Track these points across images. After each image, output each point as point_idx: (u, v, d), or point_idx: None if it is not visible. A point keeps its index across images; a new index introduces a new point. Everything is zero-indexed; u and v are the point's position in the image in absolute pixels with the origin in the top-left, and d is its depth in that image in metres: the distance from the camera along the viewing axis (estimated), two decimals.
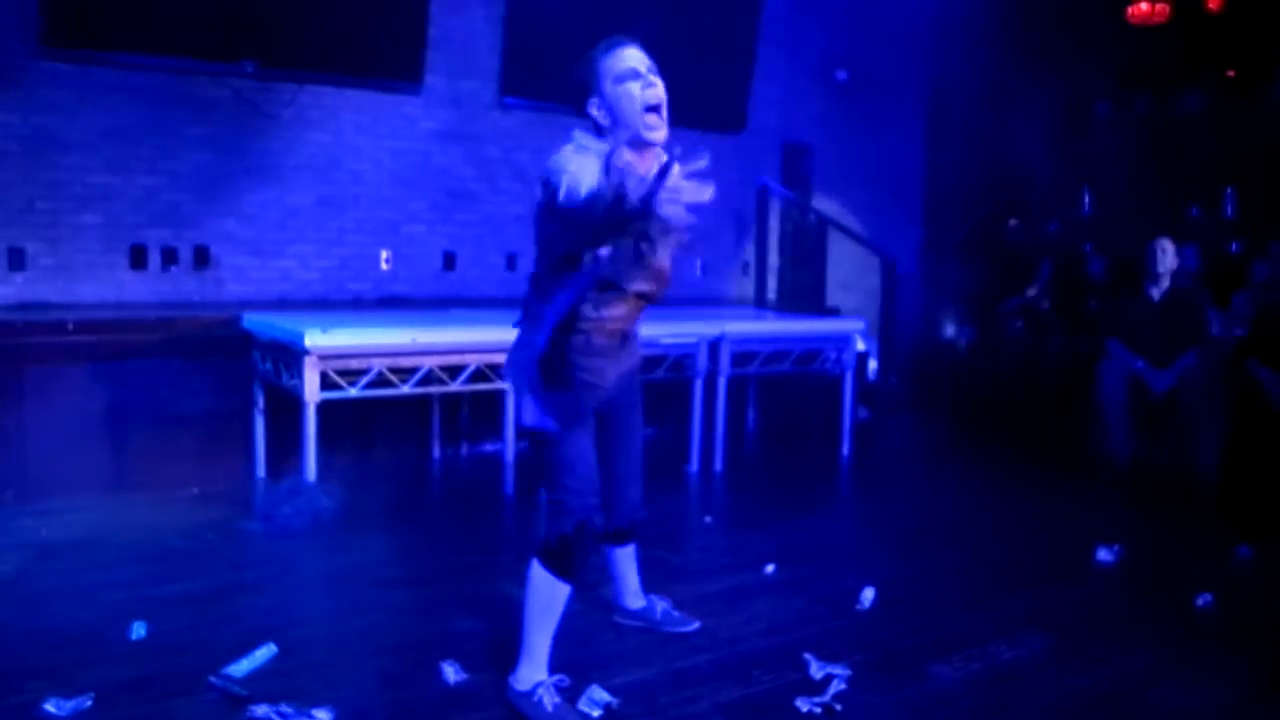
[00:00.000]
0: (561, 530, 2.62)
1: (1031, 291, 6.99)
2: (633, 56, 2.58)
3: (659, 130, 2.56)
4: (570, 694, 2.70)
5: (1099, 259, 7.02)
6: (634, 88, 2.54)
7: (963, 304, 7.79)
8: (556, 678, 2.70)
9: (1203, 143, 7.37)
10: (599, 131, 2.59)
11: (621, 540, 3.11)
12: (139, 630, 3.01)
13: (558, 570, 2.64)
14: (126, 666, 2.82)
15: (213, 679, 2.72)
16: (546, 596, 2.65)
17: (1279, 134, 7.04)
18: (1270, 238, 6.41)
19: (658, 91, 2.56)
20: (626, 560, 3.18)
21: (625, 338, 2.77)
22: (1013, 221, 7.54)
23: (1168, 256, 5.55)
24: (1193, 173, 7.41)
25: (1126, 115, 7.97)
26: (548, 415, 2.63)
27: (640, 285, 2.64)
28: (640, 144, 2.53)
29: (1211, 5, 7.33)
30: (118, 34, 4.86)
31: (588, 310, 2.62)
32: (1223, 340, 5.72)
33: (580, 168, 2.41)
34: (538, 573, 2.66)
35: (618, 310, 2.66)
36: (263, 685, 2.72)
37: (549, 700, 2.63)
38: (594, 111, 2.58)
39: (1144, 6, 7.35)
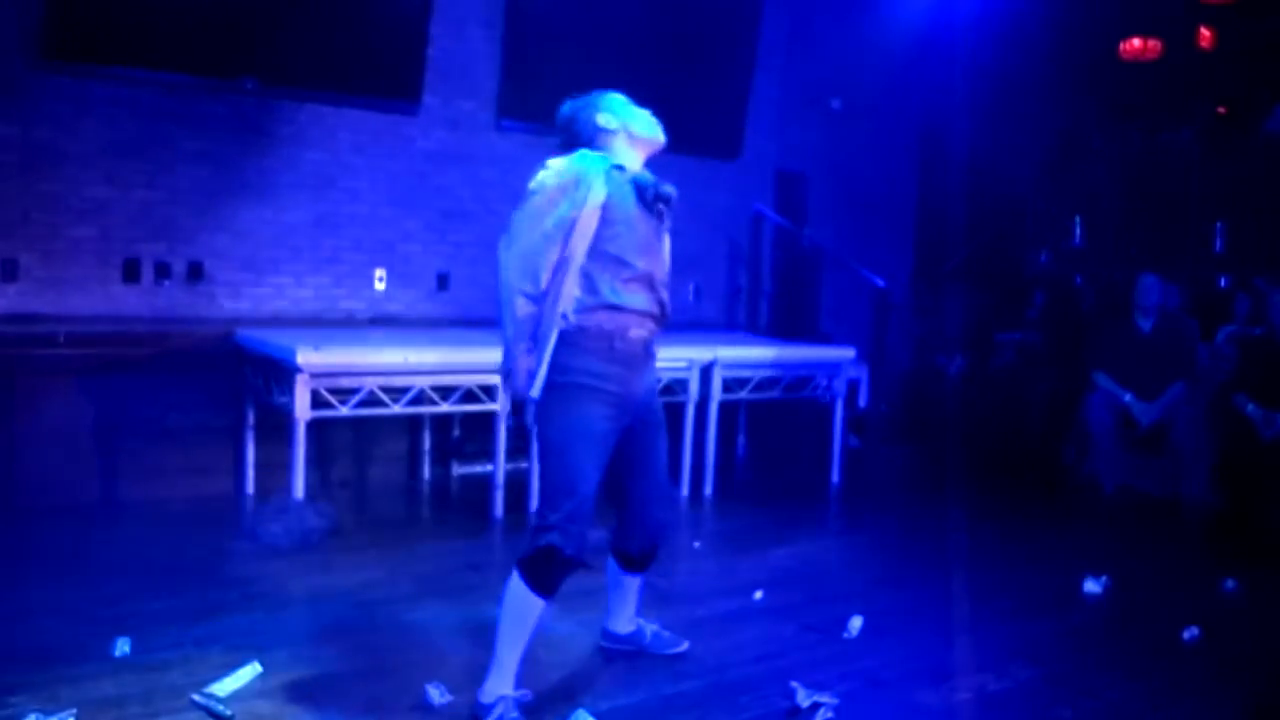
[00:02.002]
0: (546, 545, 2.63)
1: (1020, 335, 7.02)
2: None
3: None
4: (549, 714, 2.70)
5: (1092, 292, 7.07)
6: (645, 112, 2.99)
7: (954, 333, 7.82)
8: (520, 693, 2.70)
9: (1192, 177, 7.45)
10: (590, 143, 2.91)
11: (637, 568, 3.10)
12: (123, 646, 3.00)
13: (536, 585, 2.65)
14: (109, 683, 2.80)
15: (196, 697, 2.70)
16: (521, 609, 2.66)
17: (1268, 170, 7.11)
18: (1256, 272, 6.46)
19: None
20: (631, 588, 3.16)
21: (648, 348, 2.85)
22: (1044, 256, 7.59)
23: (1154, 292, 5.60)
24: (1182, 207, 7.48)
25: (1117, 149, 8.05)
26: (558, 422, 2.70)
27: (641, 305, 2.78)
28: (647, 144, 2.95)
29: (1203, 43, 7.41)
30: (118, 49, 4.88)
31: (603, 320, 2.71)
32: (1211, 374, 5.75)
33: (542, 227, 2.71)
34: (515, 584, 2.67)
35: (630, 320, 2.76)
36: (246, 705, 2.71)
37: (507, 716, 2.63)
38: (601, 119, 2.92)
39: (1136, 43, 7.43)
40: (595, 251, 2.71)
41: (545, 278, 2.68)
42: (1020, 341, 7.00)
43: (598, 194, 2.72)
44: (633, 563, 3.08)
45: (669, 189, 2.88)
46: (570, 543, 2.64)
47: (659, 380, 3.03)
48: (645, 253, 2.80)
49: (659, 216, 2.86)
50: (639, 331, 2.78)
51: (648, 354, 2.86)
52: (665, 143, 2.97)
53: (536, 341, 2.70)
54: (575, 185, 2.71)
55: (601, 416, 2.70)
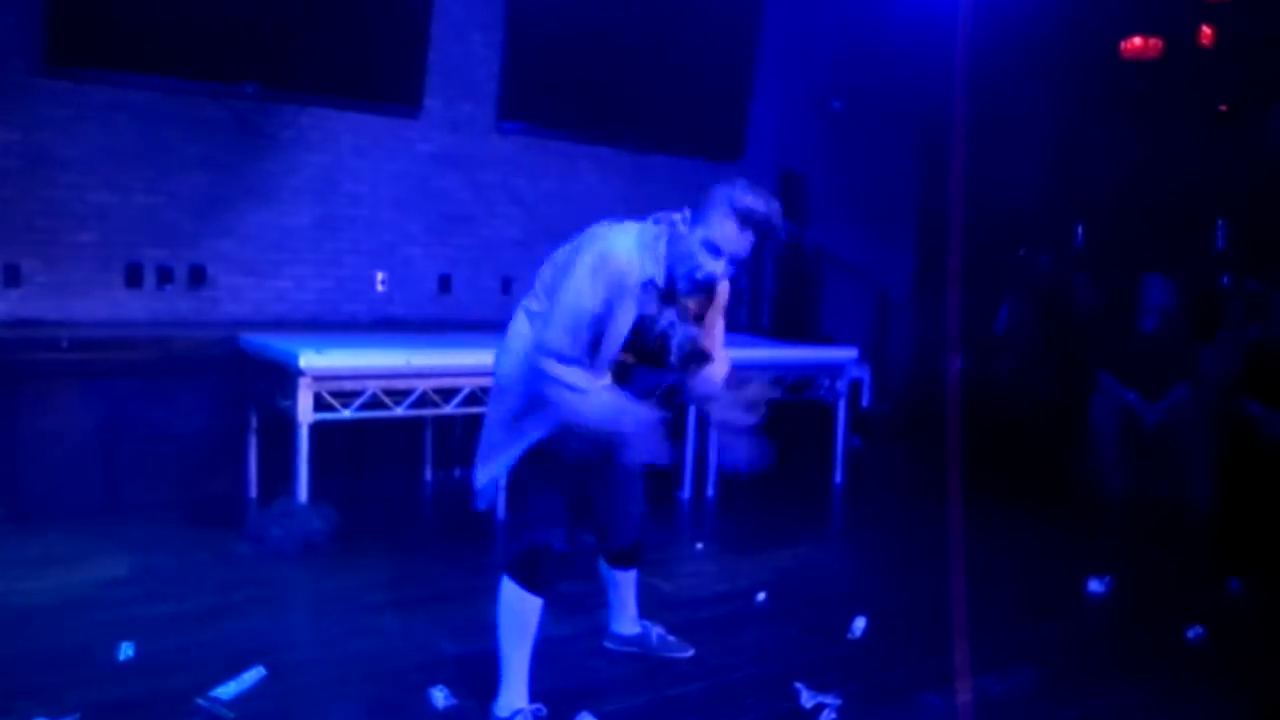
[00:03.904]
0: (530, 542, 2.64)
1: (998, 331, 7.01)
2: (740, 240, 2.53)
3: (691, 299, 2.67)
4: (553, 716, 2.70)
5: (1088, 292, 7.05)
6: (707, 260, 2.54)
7: (955, 333, 7.79)
8: (535, 707, 2.69)
9: (1194, 176, 7.43)
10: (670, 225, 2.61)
11: (624, 564, 3.11)
12: (127, 650, 3.00)
13: (527, 583, 2.64)
14: (114, 687, 2.80)
15: (200, 701, 2.71)
16: (517, 611, 2.65)
17: (1270, 168, 7.10)
18: (1257, 273, 6.44)
19: (716, 279, 2.60)
20: (626, 585, 3.17)
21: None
22: (1022, 251, 7.59)
23: (1158, 291, 5.59)
24: (1184, 205, 7.47)
25: (1119, 148, 8.03)
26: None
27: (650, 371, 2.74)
28: (684, 279, 2.60)
29: (1204, 41, 7.40)
30: (121, 54, 4.89)
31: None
32: (1213, 374, 5.74)
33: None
34: (508, 587, 2.66)
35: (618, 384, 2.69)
36: (250, 708, 2.71)
37: None
38: (680, 221, 2.59)
39: (1137, 41, 7.42)
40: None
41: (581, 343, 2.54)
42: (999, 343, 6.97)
43: (627, 311, 2.56)
44: (615, 558, 3.09)
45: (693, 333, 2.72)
46: (553, 536, 2.63)
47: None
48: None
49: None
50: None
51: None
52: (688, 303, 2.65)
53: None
54: (605, 285, 2.52)
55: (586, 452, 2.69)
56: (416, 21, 5.65)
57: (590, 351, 2.56)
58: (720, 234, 2.52)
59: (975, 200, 8.13)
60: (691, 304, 2.70)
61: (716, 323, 2.87)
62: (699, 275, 2.56)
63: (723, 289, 2.80)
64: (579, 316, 2.51)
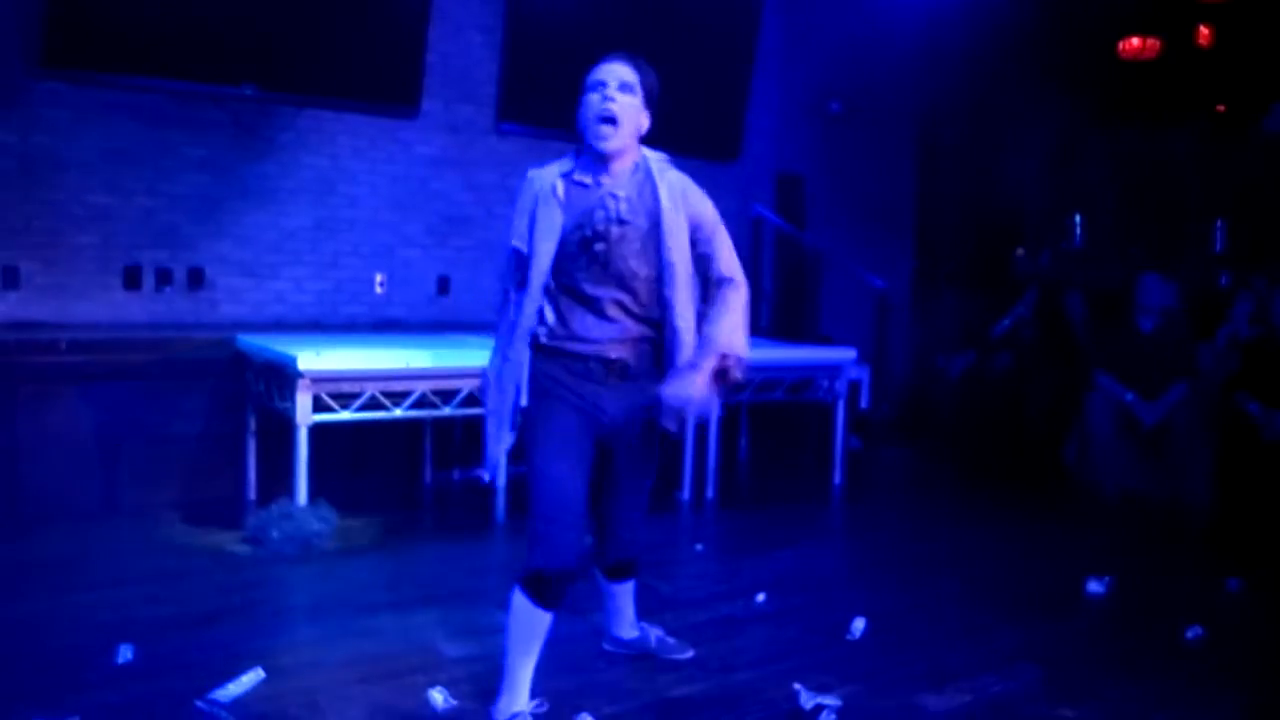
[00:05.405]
0: (543, 564, 2.59)
1: (1006, 322, 7.00)
2: (605, 70, 2.67)
3: (606, 140, 2.63)
4: (553, 718, 2.70)
5: (1077, 293, 7.06)
6: (593, 99, 2.64)
7: (954, 334, 7.82)
8: (535, 702, 2.68)
9: (1193, 176, 7.44)
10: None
11: (620, 576, 3.09)
12: (126, 653, 3.00)
13: (537, 599, 2.61)
14: (113, 689, 2.80)
15: (199, 703, 2.70)
16: (526, 624, 2.63)
17: (1268, 168, 7.12)
18: (1256, 271, 6.45)
19: (610, 106, 2.61)
20: (624, 593, 3.15)
21: (624, 370, 2.71)
22: (1019, 251, 7.59)
23: (1156, 291, 5.60)
24: (1183, 206, 7.48)
25: (1117, 148, 8.05)
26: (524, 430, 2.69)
27: (611, 292, 2.65)
28: (596, 153, 2.65)
29: (1202, 41, 7.42)
30: (119, 56, 4.89)
31: (556, 323, 2.67)
32: (1212, 373, 5.75)
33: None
34: (518, 600, 2.63)
35: (592, 324, 2.66)
36: (250, 710, 2.71)
37: None
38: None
39: (1135, 41, 7.44)
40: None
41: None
42: (1009, 329, 6.95)
43: (549, 212, 2.65)
44: (611, 570, 3.06)
45: (615, 209, 2.65)
46: (561, 557, 2.58)
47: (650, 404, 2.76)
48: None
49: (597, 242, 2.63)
50: (601, 348, 2.69)
51: (625, 373, 2.71)
52: (604, 146, 2.63)
53: None
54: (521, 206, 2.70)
55: (556, 415, 2.66)
56: (415, 23, 5.65)
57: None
58: (590, 79, 2.66)
59: (973, 200, 8.16)
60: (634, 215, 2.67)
61: (720, 246, 2.92)
62: (596, 116, 2.61)
63: (706, 210, 2.91)
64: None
